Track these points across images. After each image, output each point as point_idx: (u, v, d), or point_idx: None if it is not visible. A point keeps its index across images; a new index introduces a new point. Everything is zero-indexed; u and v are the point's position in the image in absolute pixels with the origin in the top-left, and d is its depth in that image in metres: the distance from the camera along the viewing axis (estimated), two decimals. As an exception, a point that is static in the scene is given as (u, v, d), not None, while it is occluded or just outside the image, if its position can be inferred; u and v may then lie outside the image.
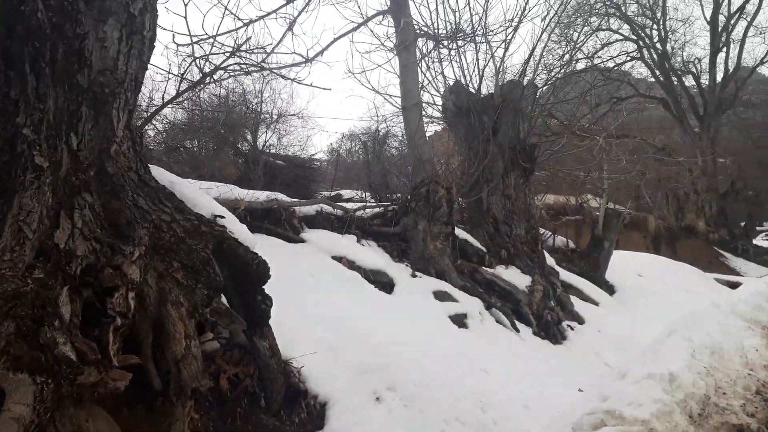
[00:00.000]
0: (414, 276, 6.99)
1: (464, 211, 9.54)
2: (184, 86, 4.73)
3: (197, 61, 5.06)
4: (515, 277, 8.28)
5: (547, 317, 7.82)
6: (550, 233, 12.77)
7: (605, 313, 9.97)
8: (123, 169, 2.98)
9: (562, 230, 13.84)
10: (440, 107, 10.09)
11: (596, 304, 10.27)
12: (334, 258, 6.29)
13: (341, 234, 6.88)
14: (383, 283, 6.46)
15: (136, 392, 3.25)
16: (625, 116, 25.23)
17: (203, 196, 3.50)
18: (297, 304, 5.06)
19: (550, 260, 10.26)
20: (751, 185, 36.56)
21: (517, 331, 7.24)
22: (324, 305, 5.23)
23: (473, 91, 9.58)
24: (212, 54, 4.48)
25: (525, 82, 9.53)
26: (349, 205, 7.55)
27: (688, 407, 4.22)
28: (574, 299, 9.66)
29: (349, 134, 17.65)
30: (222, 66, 4.58)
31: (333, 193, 15.83)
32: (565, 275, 10.58)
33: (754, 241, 33.99)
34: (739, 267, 24.66)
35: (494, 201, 9.02)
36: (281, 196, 6.70)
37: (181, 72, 4.41)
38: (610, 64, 30.03)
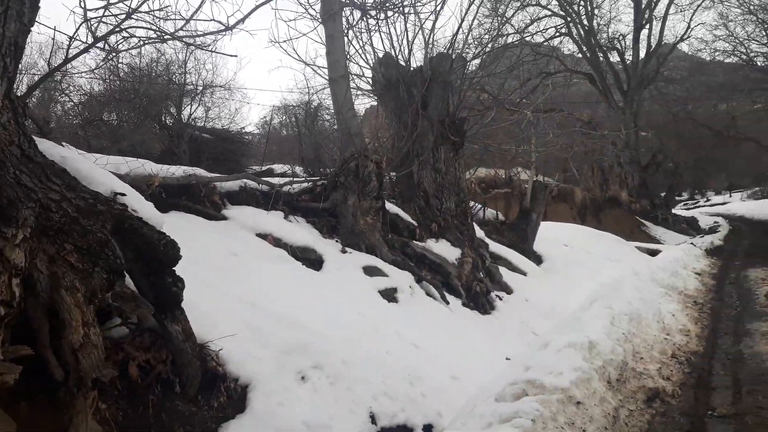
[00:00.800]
0: (344, 252, 6.88)
1: (395, 186, 9.48)
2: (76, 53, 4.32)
3: (103, 26, 4.65)
4: (445, 250, 8.33)
5: (476, 288, 7.93)
6: (480, 206, 12.95)
7: (533, 283, 10.26)
8: (3, 143, 2.67)
9: (492, 203, 14.08)
10: (370, 80, 9.92)
11: (524, 274, 10.54)
12: (258, 235, 6.08)
13: (267, 210, 6.65)
14: (311, 260, 6.32)
15: (36, 384, 3.02)
16: (551, 90, 25.88)
17: (101, 171, 3.22)
18: (217, 285, 4.85)
19: (479, 232, 10.41)
20: (671, 158, 38.59)
21: (447, 303, 7.29)
22: (247, 285, 5.04)
23: (403, 63, 9.46)
24: (107, 16, 4.10)
25: (454, 55, 9.49)
26: (276, 180, 7.32)
27: (607, 373, 4.34)
28: (502, 270, 9.87)
29: (281, 107, 17.13)
30: (118, 29, 4.20)
31: (264, 168, 15.37)
32: (495, 247, 10.78)
33: (674, 211, 36.03)
34: (659, 235, 25.99)
35: (425, 175, 9.01)
36: (200, 171, 6.38)
37: (71, 36, 4.01)
38: (539, 39, 30.61)
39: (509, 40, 27.91)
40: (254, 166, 15.74)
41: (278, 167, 15.58)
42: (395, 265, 7.28)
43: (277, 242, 6.11)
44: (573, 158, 28.12)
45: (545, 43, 30.84)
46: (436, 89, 9.23)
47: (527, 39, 30.09)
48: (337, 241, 7.15)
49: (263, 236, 6.09)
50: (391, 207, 8.28)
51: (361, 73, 9.71)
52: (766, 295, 9.34)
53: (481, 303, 7.98)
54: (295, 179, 7.47)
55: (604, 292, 7.91)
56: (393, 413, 4.63)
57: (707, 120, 33.39)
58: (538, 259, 12.49)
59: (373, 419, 4.46)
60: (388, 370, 4.99)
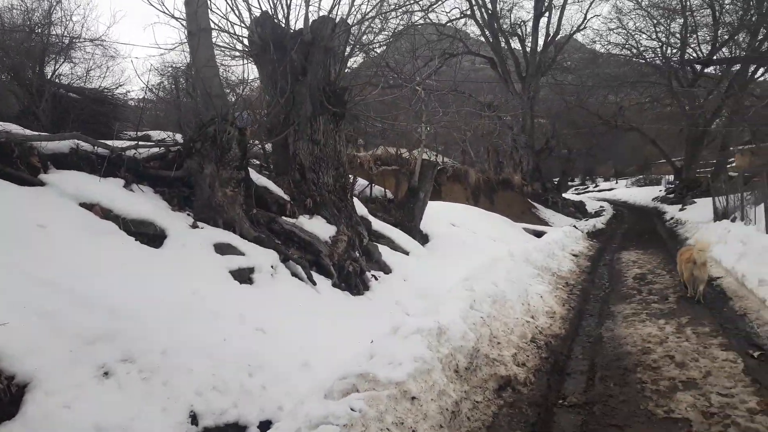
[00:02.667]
0: (195, 227, 6.13)
1: (271, 157, 8.78)
2: None
3: None
4: (319, 227, 7.79)
5: (349, 268, 7.46)
6: (368, 183, 12.53)
7: (414, 262, 9.98)
8: None
9: (383, 181, 13.71)
10: (246, 40, 9.07)
11: (406, 253, 10.24)
12: (83, 205, 5.21)
13: (100, 177, 5.76)
14: (150, 235, 5.53)
15: None
16: (438, 67, 25.89)
17: None
18: (8, 262, 4.00)
19: (362, 210, 9.97)
20: (565, 144, 40.34)
21: (314, 284, 6.77)
22: (49, 264, 4.22)
23: (283, 25, 8.71)
24: None
25: (338, 19, 8.86)
26: (117, 143, 6.40)
27: (454, 362, 3.99)
28: (384, 249, 9.49)
29: (160, 68, 15.69)
30: None
31: (140, 134, 14.02)
32: (378, 225, 10.40)
33: (564, 195, 37.74)
34: (548, 217, 26.95)
35: (301, 146, 8.37)
36: (14, 128, 5.38)
37: None
38: (444, 19, 30.57)
39: (413, 18, 27.76)
40: (130, 132, 14.34)
41: (156, 134, 14.30)
42: (258, 242, 6.64)
43: (107, 214, 5.26)
44: (471, 141, 28.61)
45: (449, 24, 30.84)
46: (316, 55, 8.57)
47: (431, 17, 30.00)
48: (189, 214, 6.39)
49: (89, 206, 5.22)
50: (258, 179, 7.59)
51: (233, 31, 8.84)
52: (635, 277, 9.64)
53: (353, 283, 7.53)
54: (141, 143, 6.57)
55: (476, 272, 7.72)
56: (222, 410, 4.06)
57: (598, 110, 35.08)
58: (424, 238, 12.29)
59: (193, 418, 3.86)
60: (221, 360, 4.39)
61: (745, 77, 25.98)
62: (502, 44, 32.50)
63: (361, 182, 12.56)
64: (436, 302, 5.42)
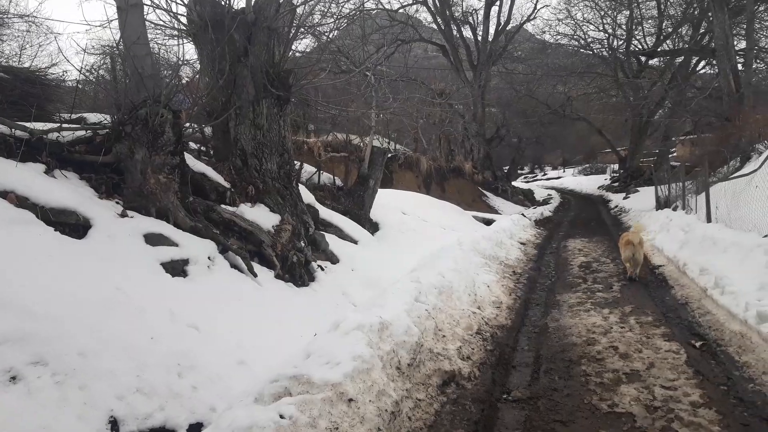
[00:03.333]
0: (124, 216, 5.73)
1: (210, 142, 8.36)
2: None
3: None
4: (261, 216, 7.46)
5: (293, 258, 7.19)
6: (316, 170, 12.21)
7: (362, 252, 9.78)
8: None
9: (331, 168, 13.41)
10: (185, 17, 8.57)
11: (355, 242, 10.04)
12: (-6, 193, 4.74)
13: (17, 162, 5.27)
14: (72, 225, 5.11)
15: None
16: (390, 54, 25.63)
17: None
18: None
19: (309, 197, 9.68)
20: (515, 132, 40.87)
21: (255, 275, 6.47)
22: (-52, 257, 3.79)
23: (223, 3, 8.26)
24: None
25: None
26: (39, 125, 5.89)
27: (396, 358, 3.80)
28: (331, 238, 9.25)
29: (98, 46, 14.81)
30: None
31: (74, 117, 13.20)
32: (326, 213, 10.14)
33: (514, 183, 38.32)
34: (497, 205, 27.25)
35: (243, 131, 7.99)
36: None
37: None
38: (396, 5, 30.31)
39: (367, 5, 27.37)
40: (63, 114, 13.50)
41: (93, 116, 13.51)
42: (194, 232, 6.28)
43: (23, 202, 4.81)
44: (423, 128, 28.54)
45: (401, 10, 30.58)
46: (259, 36, 8.18)
47: (382, 2, 29.68)
48: (117, 202, 5.96)
49: (2, 194, 4.76)
50: (196, 164, 7.19)
51: (170, 8, 8.33)
52: (580, 265, 9.73)
53: (298, 274, 7.27)
54: (64, 125, 6.08)
55: (423, 262, 7.59)
56: (146, 414, 3.75)
57: (547, 99, 35.67)
58: (374, 227, 12.11)
59: (114, 424, 3.55)
60: (147, 360, 4.07)
61: (688, 69, 26.85)
62: (454, 32, 32.50)
63: (309, 169, 12.25)
64: (381, 295, 5.23)
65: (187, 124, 7.30)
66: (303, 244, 7.76)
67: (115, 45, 6.17)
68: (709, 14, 22.89)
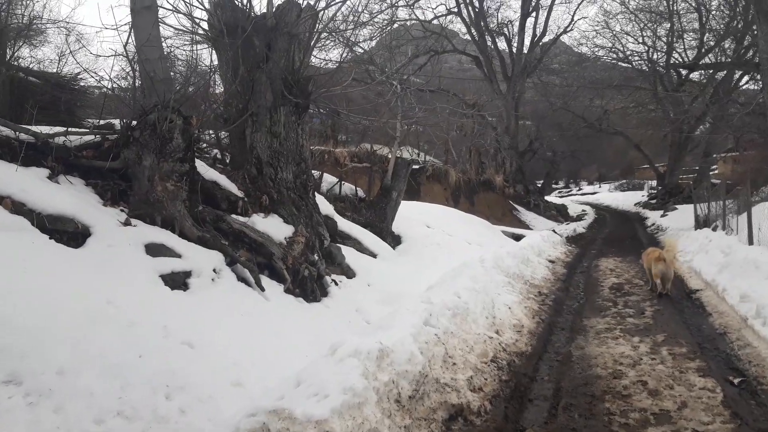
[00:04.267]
0: (127, 224, 5.53)
1: (225, 150, 8.18)
2: None
3: None
4: (274, 227, 7.21)
5: (305, 272, 6.89)
6: (337, 180, 11.96)
7: (381, 266, 9.44)
8: None
9: (355, 178, 13.15)
10: (206, 22, 8.47)
11: (374, 256, 9.71)
12: (-11, 198, 4.58)
13: (22, 166, 5.13)
14: (69, 233, 4.92)
15: None
16: (423, 65, 25.25)
17: None
18: None
19: (327, 209, 9.42)
20: (549, 146, 40.12)
21: (263, 289, 6.19)
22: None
23: (244, 7, 8.12)
24: None
25: (304, 4, 8.29)
26: (45, 129, 5.77)
27: (396, 390, 3.44)
28: (349, 251, 8.96)
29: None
30: None
31: (102, 123, 13.29)
32: (345, 225, 9.85)
33: (547, 198, 37.51)
34: (529, 220, 26.61)
35: (259, 139, 7.79)
36: None
37: None
38: (430, 16, 30.10)
39: (401, 13, 27.22)
40: (92, 119, 13.62)
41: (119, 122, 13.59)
42: (201, 243, 6.05)
43: (19, 208, 4.65)
44: (454, 140, 28.16)
45: (434, 21, 30.36)
46: (279, 41, 8.00)
47: (417, 14, 29.52)
48: (122, 210, 5.78)
49: (-3, 199, 4.61)
50: (207, 172, 7.00)
51: (189, 12, 8.22)
52: (611, 287, 9.19)
53: (309, 289, 6.97)
54: (71, 129, 5.96)
55: (441, 280, 7.22)
56: (125, 441, 3.49)
57: (583, 113, 34.86)
58: (396, 240, 11.77)
59: (88, 452, 3.29)
60: (132, 380, 3.81)
61: (730, 84, 25.82)
62: (489, 43, 32.12)
63: (330, 179, 12.01)
64: (388, 317, 4.89)
65: (201, 131, 7.11)
66: (317, 258, 7.47)
67: (123, 47, 6.03)
68: (754, 27, 21.95)
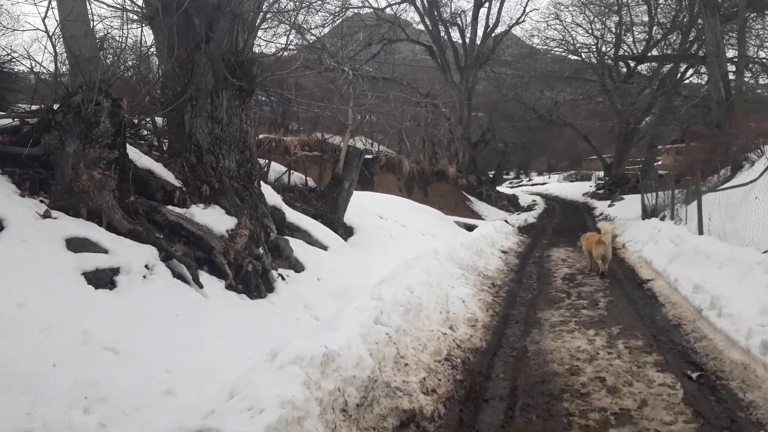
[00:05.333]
0: (47, 217, 4.99)
1: (162, 137, 7.64)
2: None
3: None
4: (215, 219, 6.75)
5: (248, 267, 6.47)
6: (286, 169, 11.50)
7: (332, 259, 9.09)
8: None
9: (305, 168, 12.70)
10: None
11: (325, 248, 9.34)
12: None
13: None
14: (-25, 226, 4.37)
15: None
16: (377, 53, 24.80)
17: None
18: None
19: (275, 199, 8.97)
20: (501, 137, 40.46)
21: (201, 286, 5.75)
22: None
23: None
24: None
25: (247, -19, 7.78)
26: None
27: (342, 399, 3.11)
28: (298, 244, 8.57)
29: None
30: None
31: (34, 108, 12.34)
32: (294, 217, 9.43)
33: (498, 188, 37.86)
34: (481, 211, 26.71)
35: (198, 124, 7.27)
36: None
37: None
38: (383, 4, 29.69)
39: (353, 1, 26.71)
40: (23, 105, 12.64)
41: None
42: (133, 236, 5.56)
43: None
44: (407, 131, 27.95)
45: (387, 8, 29.97)
46: (222, 21, 7.47)
47: (370, 1, 29.08)
48: (42, 201, 5.23)
49: None
50: (141, 160, 6.46)
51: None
52: (564, 278, 9.13)
53: (254, 285, 6.56)
54: (-19, 112, 5.36)
55: (392, 274, 6.93)
56: (33, 464, 3.06)
57: (534, 104, 35.29)
58: (348, 231, 11.42)
59: (-16, 482, 2.85)
60: (45, 393, 3.37)
61: (676, 77, 26.53)
62: (442, 33, 31.95)
63: (279, 169, 11.53)
64: (335, 316, 4.56)
65: (136, 116, 6.56)
66: (262, 251, 7.06)
67: (42, 20, 5.41)
68: (699, 21, 22.56)
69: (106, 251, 5.01)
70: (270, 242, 7.62)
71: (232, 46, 7.61)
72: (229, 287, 6.22)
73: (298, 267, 7.95)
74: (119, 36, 9.37)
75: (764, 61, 23.08)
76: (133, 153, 6.47)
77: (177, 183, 6.80)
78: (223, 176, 7.28)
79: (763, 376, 3.98)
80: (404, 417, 3.54)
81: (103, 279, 4.79)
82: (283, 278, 7.21)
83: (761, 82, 25.37)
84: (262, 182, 8.83)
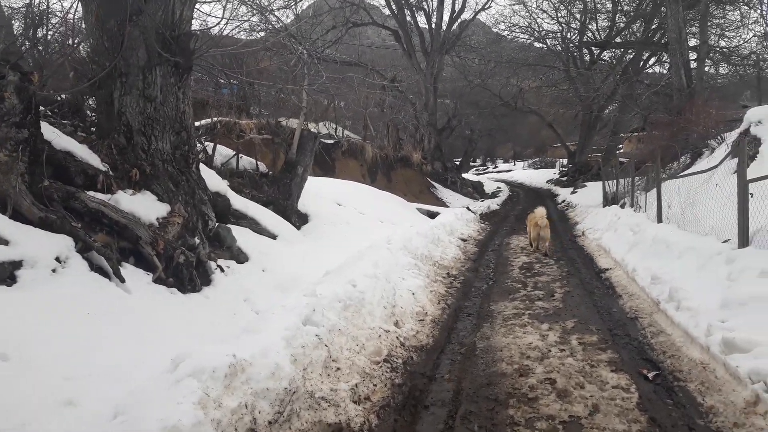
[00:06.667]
0: (-64, 203, 4.39)
1: (86, 115, 7.01)
2: None
3: None
4: (145, 206, 6.21)
5: (179, 258, 5.95)
6: (234, 153, 10.91)
7: (281, 248, 8.61)
8: None
9: (255, 152, 12.12)
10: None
11: (274, 237, 8.86)
12: None
13: None
14: None
15: None
16: (341, 36, 24.16)
17: None
18: None
19: (218, 185, 8.43)
20: (467, 124, 40.30)
21: (122, 280, 5.22)
22: None
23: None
24: None
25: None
26: None
27: (251, 416, 2.68)
28: (244, 233, 8.07)
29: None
30: None
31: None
32: (241, 203, 8.90)
33: (464, 175, 37.73)
34: (446, 198, 26.44)
35: (129, 103, 6.68)
36: None
37: None
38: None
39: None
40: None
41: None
42: (45, 225, 5.00)
43: None
44: (372, 115, 27.40)
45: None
46: (155, -9, 6.87)
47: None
48: (-68, 186, 4.63)
49: None
50: (58, 141, 5.86)
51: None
52: (521, 267, 8.85)
53: (187, 277, 6.04)
54: None
55: (343, 265, 6.52)
56: None
57: (500, 91, 35.21)
58: (303, 219, 10.94)
59: None
60: None
61: (639, 65, 26.62)
62: (408, 18, 31.40)
63: (227, 152, 10.93)
64: (260, 318, 4.11)
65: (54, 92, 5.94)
66: (198, 241, 6.54)
67: None
68: (663, 9, 22.57)
69: (6, 242, 4.46)
70: (209, 231, 7.11)
71: (168, 18, 7.02)
72: (157, 281, 5.70)
73: (241, 257, 7.45)
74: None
75: (724, 50, 23.28)
76: (50, 133, 5.86)
77: (102, 167, 6.22)
78: (156, 159, 6.72)
79: (723, 378, 3.70)
80: (329, 431, 3.13)
81: (1, 274, 4.23)
82: (222, 270, 6.72)
83: (721, 71, 25.64)
84: (204, 166, 8.29)
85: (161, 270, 5.77)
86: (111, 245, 5.47)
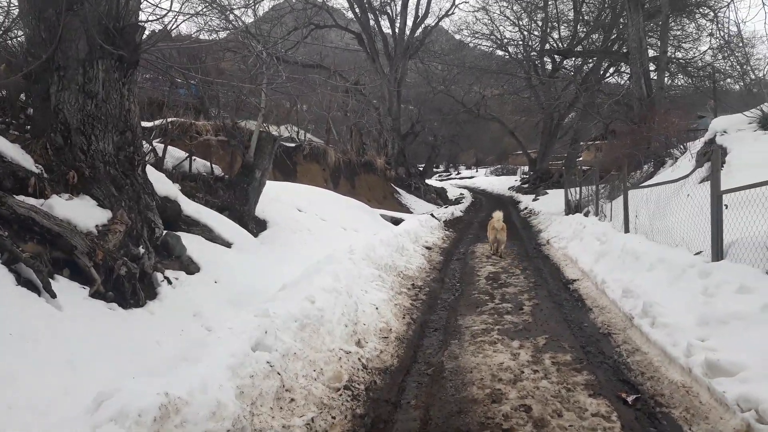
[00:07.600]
0: None
1: (19, 112, 6.41)
2: None
3: None
4: (82, 212, 5.65)
5: (121, 270, 5.42)
6: (187, 155, 10.33)
7: (237, 257, 8.11)
8: None
9: (211, 155, 11.55)
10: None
11: (228, 245, 8.34)
12: None
13: None
14: None
15: None
16: (304, 37, 23.70)
17: None
18: None
19: (168, 189, 7.89)
20: (430, 130, 40.27)
21: (53, 296, 4.67)
22: None
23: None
24: None
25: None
26: None
27: (183, 467, 2.23)
28: (195, 241, 7.54)
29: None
30: None
31: None
32: (193, 209, 8.35)
33: (427, 181, 37.66)
34: (409, 204, 26.23)
35: (67, 99, 6.10)
36: None
37: None
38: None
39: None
40: None
41: None
42: (-38, 233, 4.41)
43: None
44: (335, 119, 27.00)
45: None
46: (99, -22, 6.33)
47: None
48: None
49: None
50: (-18, 140, 5.27)
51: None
52: (488, 277, 8.58)
53: (129, 291, 5.51)
54: None
55: (301, 276, 6.09)
56: None
57: (463, 98, 35.35)
58: (261, 226, 10.44)
59: None
60: None
61: (599, 74, 27.00)
62: (371, 22, 31.14)
63: (179, 155, 10.35)
64: (200, 343, 3.66)
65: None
66: (143, 250, 6.01)
67: None
68: (622, 20, 22.92)
69: None
70: (156, 239, 6.57)
71: (112, 8, 6.47)
72: (95, 295, 5.16)
73: (191, 268, 6.93)
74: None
75: (681, 61, 23.78)
76: (-27, 130, 5.27)
77: (36, 168, 5.63)
78: (97, 161, 6.15)
79: (709, 404, 3.44)
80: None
81: None
82: (169, 282, 6.20)
83: (677, 82, 26.20)
84: (153, 169, 7.74)
85: (99, 283, 5.22)
86: (42, 256, 4.91)
